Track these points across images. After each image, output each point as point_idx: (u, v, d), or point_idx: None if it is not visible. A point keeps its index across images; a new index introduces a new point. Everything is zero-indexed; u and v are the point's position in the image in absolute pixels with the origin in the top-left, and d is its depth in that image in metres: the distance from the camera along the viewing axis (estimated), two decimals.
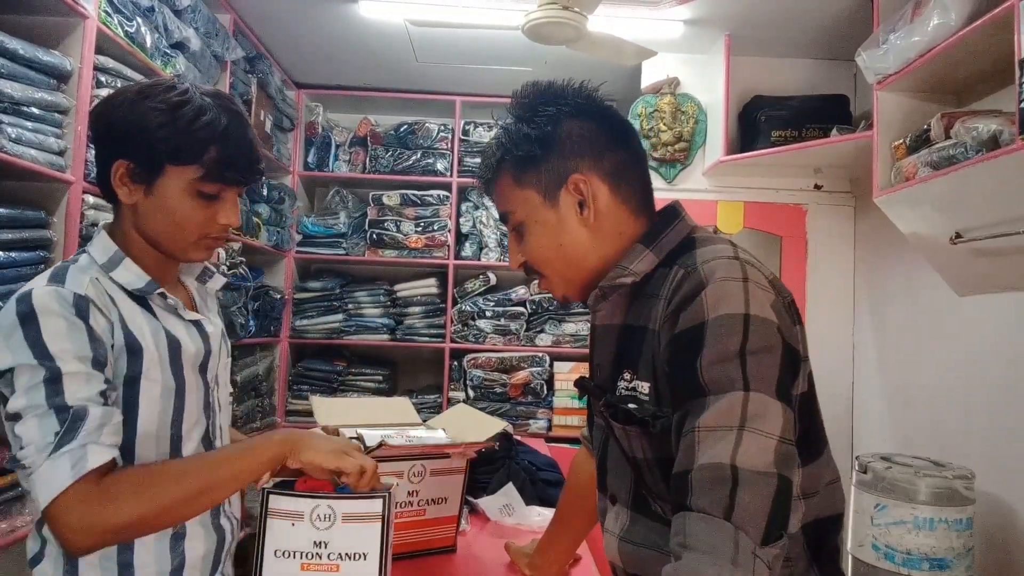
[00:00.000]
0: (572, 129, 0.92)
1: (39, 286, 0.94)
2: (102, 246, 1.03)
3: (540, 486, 1.87)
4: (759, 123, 2.86)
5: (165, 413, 1.01)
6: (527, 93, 0.95)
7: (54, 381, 0.88)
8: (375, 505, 1.02)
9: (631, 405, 0.88)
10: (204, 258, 1.09)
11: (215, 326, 1.15)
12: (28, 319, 0.90)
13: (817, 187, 3.07)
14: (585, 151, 0.92)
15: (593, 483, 1.22)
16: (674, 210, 0.96)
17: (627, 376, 0.90)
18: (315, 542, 1.00)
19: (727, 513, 0.70)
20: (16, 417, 0.88)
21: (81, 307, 0.93)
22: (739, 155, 2.85)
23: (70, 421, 0.87)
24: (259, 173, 1.09)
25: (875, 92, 2.23)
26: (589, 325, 3.75)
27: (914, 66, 2.01)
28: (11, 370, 0.89)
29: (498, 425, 1.65)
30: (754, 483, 0.71)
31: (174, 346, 1.03)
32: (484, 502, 1.69)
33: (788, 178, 3.06)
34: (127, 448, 0.97)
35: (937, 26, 1.87)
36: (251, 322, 3.03)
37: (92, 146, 1.71)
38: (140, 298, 1.03)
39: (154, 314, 1.04)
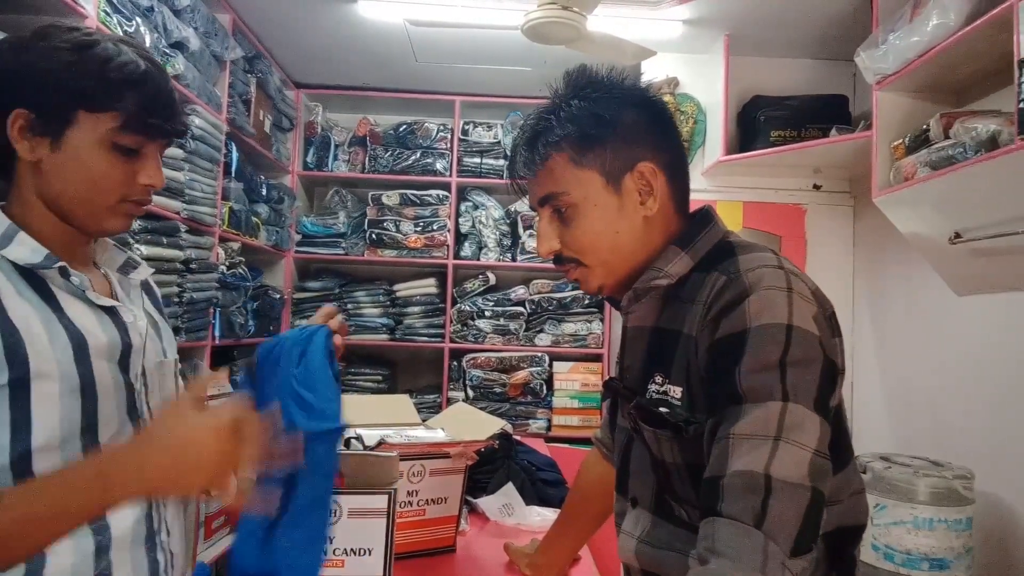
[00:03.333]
0: (638, 116, 0.91)
1: None
2: None
3: (539, 486, 1.86)
4: (758, 123, 2.86)
5: (70, 419, 0.83)
6: (586, 74, 0.93)
7: None
8: (381, 501, 1.03)
9: (663, 409, 0.86)
10: (122, 228, 0.93)
11: (138, 318, 0.96)
12: None
13: (816, 187, 3.07)
14: (649, 140, 0.91)
15: (601, 486, 1.21)
16: (708, 213, 0.95)
17: (658, 379, 0.89)
18: None
19: (758, 521, 0.69)
20: None
21: None
22: (738, 155, 2.85)
23: None
24: (184, 126, 0.97)
25: (874, 92, 2.23)
26: (597, 325, 3.72)
27: (913, 66, 2.01)
28: None
29: (497, 424, 1.66)
30: (787, 494, 0.70)
31: (77, 337, 0.84)
32: (484, 502, 1.69)
33: (787, 178, 3.06)
34: (22, 464, 0.80)
35: (936, 26, 1.87)
36: (250, 322, 3.03)
37: None
38: (36, 281, 0.85)
39: (52, 299, 0.85)
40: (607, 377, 1.07)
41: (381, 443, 1.28)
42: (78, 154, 0.86)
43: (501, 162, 3.67)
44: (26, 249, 0.84)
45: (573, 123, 0.89)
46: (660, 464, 0.91)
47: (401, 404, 1.71)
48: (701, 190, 3.08)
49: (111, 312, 0.91)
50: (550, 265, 3.58)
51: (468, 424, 1.57)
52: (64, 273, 0.86)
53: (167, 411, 0.77)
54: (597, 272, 0.93)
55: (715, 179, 3.09)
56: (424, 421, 1.64)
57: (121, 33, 1.98)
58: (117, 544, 0.86)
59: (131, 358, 0.92)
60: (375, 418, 1.53)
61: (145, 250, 2.14)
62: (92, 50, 0.85)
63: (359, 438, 1.31)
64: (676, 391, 0.86)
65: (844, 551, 0.89)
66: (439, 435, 1.47)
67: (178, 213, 2.35)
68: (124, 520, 0.87)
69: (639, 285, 0.91)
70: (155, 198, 1.13)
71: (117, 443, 0.80)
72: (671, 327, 0.89)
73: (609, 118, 0.89)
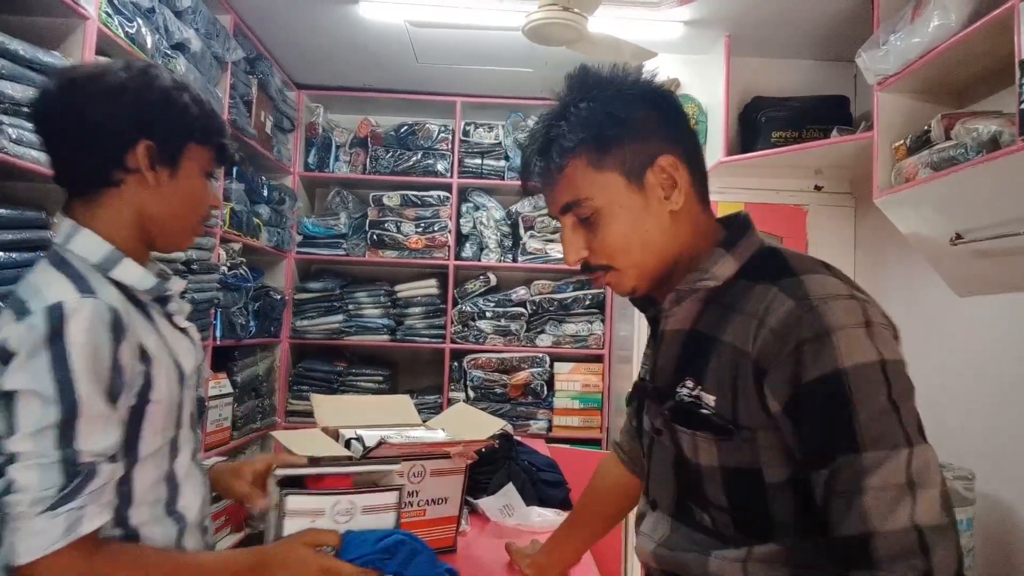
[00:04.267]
0: (650, 110, 0.89)
1: (71, 297, 0.85)
2: (92, 243, 0.94)
3: (540, 487, 1.86)
4: (759, 124, 2.86)
5: (164, 434, 0.97)
6: (590, 74, 0.91)
7: (67, 425, 0.81)
8: (391, 497, 1.12)
9: (704, 411, 0.85)
10: (189, 247, 1.11)
11: (196, 332, 1.09)
12: (56, 337, 0.82)
13: (817, 188, 3.07)
14: (664, 133, 0.89)
15: (616, 490, 1.24)
16: (747, 218, 0.94)
17: (689, 384, 0.87)
18: None
19: (927, 573, 0.70)
20: (12, 457, 0.80)
21: (117, 326, 0.86)
22: (739, 156, 2.85)
23: (79, 479, 0.81)
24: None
25: (875, 93, 2.23)
26: (598, 326, 3.67)
27: (914, 67, 2.01)
28: (16, 392, 0.81)
29: (497, 424, 1.65)
30: (940, 540, 0.71)
31: (177, 365, 0.98)
32: (484, 503, 1.68)
33: (788, 179, 3.05)
34: (129, 467, 0.93)
35: (937, 27, 1.87)
36: (251, 323, 3.03)
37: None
38: (139, 305, 0.96)
39: (153, 323, 0.97)
40: (635, 379, 1.05)
41: (381, 443, 1.28)
42: (188, 180, 1.00)
43: (502, 163, 3.68)
44: (135, 273, 0.96)
45: (586, 126, 0.86)
46: (690, 467, 0.89)
47: (401, 405, 1.70)
48: None
49: (184, 331, 1.05)
50: (551, 266, 3.63)
51: (468, 424, 1.57)
52: (165, 301, 1.01)
53: (300, 543, 0.98)
54: (630, 274, 0.91)
55: (716, 180, 3.08)
56: (424, 422, 1.63)
57: (122, 34, 1.98)
58: (190, 528, 1.01)
59: (196, 372, 1.06)
60: (375, 419, 1.53)
61: None
62: (190, 91, 1.00)
63: (359, 439, 1.31)
64: (709, 399, 0.84)
65: None
66: (439, 435, 1.47)
67: None
68: (191, 510, 1.01)
69: (683, 287, 0.89)
70: None
71: (263, 548, 1.00)
72: (710, 333, 0.87)
73: (623, 116, 0.87)
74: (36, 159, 1.67)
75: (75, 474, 0.81)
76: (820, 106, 2.85)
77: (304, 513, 1.05)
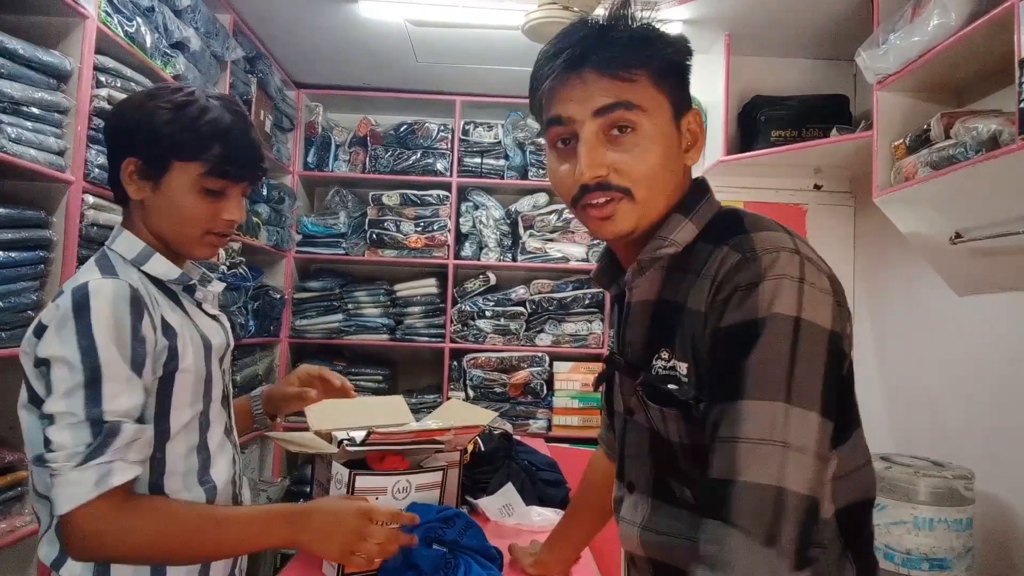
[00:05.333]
0: (688, 65, 0.91)
1: (94, 278, 0.96)
2: (128, 242, 1.06)
3: (540, 486, 1.86)
4: (759, 123, 2.86)
5: (194, 404, 1.06)
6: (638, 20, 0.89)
7: (94, 385, 0.90)
8: (437, 476, 1.30)
9: (671, 386, 0.83)
10: (209, 255, 1.12)
11: (226, 321, 1.22)
12: (81, 310, 0.92)
13: (817, 187, 3.07)
14: (689, 92, 0.91)
15: (606, 481, 1.21)
16: (705, 182, 0.94)
17: (664, 355, 0.85)
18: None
19: (769, 539, 0.69)
20: (50, 419, 0.90)
21: (137, 303, 0.96)
22: (739, 155, 2.85)
23: (103, 436, 0.90)
24: (262, 171, 1.13)
25: (875, 92, 2.23)
26: (597, 325, 3.63)
27: (914, 66, 2.01)
28: (49, 359, 0.92)
29: (489, 416, 1.67)
30: (797, 508, 0.70)
31: (205, 341, 1.09)
32: (484, 502, 1.68)
33: (788, 178, 3.05)
34: (161, 438, 1.02)
35: (937, 26, 1.87)
36: (251, 322, 3.03)
37: (99, 147, 1.88)
38: (170, 293, 1.08)
39: (183, 308, 1.08)
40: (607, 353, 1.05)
41: (370, 434, 1.28)
42: (172, 196, 1.05)
43: (502, 162, 3.68)
44: (163, 266, 1.06)
45: (670, 44, 0.87)
46: (665, 444, 0.89)
47: (394, 405, 1.71)
48: None
49: (215, 318, 1.16)
50: (550, 265, 3.63)
51: (459, 417, 1.58)
52: (191, 290, 1.11)
53: (335, 499, 1.10)
54: (641, 209, 0.86)
55: (715, 179, 3.07)
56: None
57: (122, 33, 1.98)
58: (220, 494, 1.09)
59: (225, 355, 1.17)
60: (367, 420, 1.52)
61: None
62: (187, 108, 1.03)
63: (351, 440, 1.31)
64: (682, 367, 0.83)
65: (859, 527, 0.86)
66: (429, 424, 1.48)
67: None
68: (221, 479, 1.10)
69: (643, 256, 0.88)
70: None
71: (293, 505, 1.08)
72: (674, 299, 0.85)
73: (686, 55, 0.89)
74: (35, 158, 1.67)
75: (100, 432, 0.90)
76: (820, 105, 2.85)
77: (370, 491, 1.18)
